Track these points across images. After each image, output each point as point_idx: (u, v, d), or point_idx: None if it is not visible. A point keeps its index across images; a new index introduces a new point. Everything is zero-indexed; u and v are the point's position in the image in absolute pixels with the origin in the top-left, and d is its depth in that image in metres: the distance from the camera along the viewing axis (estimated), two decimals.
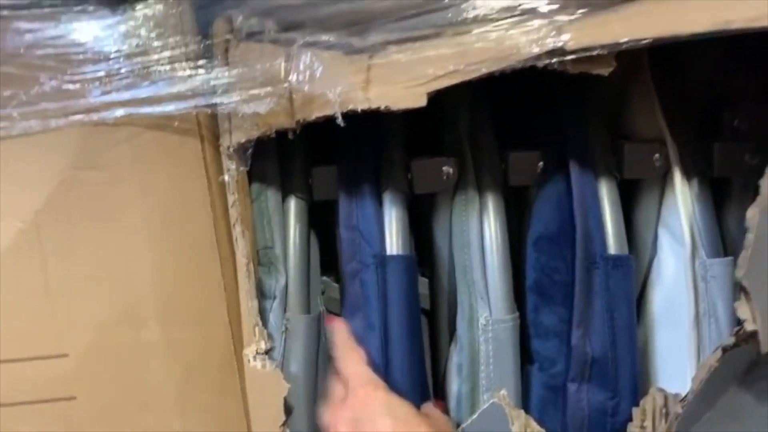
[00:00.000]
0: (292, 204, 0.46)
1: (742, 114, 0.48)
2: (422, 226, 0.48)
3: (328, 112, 0.38)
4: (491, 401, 0.39)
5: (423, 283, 0.49)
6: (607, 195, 0.44)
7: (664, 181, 0.45)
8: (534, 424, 0.39)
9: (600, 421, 0.40)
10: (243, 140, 0.40)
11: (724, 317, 0.41)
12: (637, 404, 0.40)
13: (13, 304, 0.41)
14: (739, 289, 0.32)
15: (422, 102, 0.36)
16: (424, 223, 0.48)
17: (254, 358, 0.41)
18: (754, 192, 0.47)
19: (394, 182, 0.45)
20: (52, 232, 0.41)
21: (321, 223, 0.49)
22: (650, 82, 0.47)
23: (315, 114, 0.38)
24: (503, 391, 0.39)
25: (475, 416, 0.39)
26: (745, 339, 0.32)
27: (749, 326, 0.31)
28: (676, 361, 0.42)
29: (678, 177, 0.44)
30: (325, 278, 0.50)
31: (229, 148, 0.40)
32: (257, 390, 0.42)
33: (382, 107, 0.37)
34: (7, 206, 0.41)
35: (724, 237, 0.45)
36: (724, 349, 0.33)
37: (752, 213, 0.32)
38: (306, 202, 0.46)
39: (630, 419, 0.40)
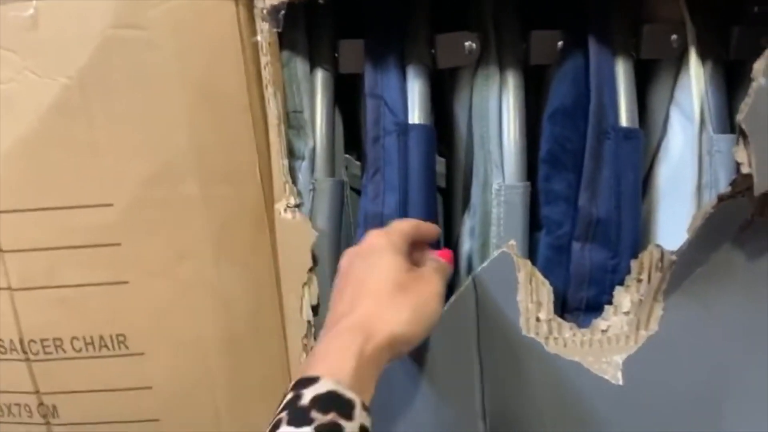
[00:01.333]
0: (319, 74, 0.48)
1: (761, 1, 0.49)
2: (442, 103, 0.50)
3: None
4: (501, 250, 0.42)
5: (441, 163, 0.52)
6: (622, 72, 0.46)
7: (679, 63, 0.47)
8: (538, 274, 0.42)
9: (600, 277, 0.44)
10: (276, 2, 0.41)
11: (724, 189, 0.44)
12: None
13: (60, 157, 0.45)
14: (738, 133, 0.34)
15: None
16: (445, 98, 0.50)
17: (284, 210, 0.45)
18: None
19: (418, 55, 0.46)
20: (95, 90, 0.44)
21: (344, 101, 0.51)
22: None
23: None
24: (513, 241, 0.43)
25: (485, 264, 0.43)
26: (741, 190, 0.35)
27: (744, 169, 0.34)
28: (677, 229, 0.45)
29: (693, 56, 0.45)
30: (347, 155, 0.53)
31: (262, 9, 0.42)
32: (287, 239, 0.45)
33: None
34: (55, 63, 0.43)
35: (733, 118, 0.47)
36: (721, 198, 0.36)
37: (759, 65, 0.34)
38: (332, 73, 0.48)
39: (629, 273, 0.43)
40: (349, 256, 0.38)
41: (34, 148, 0.45)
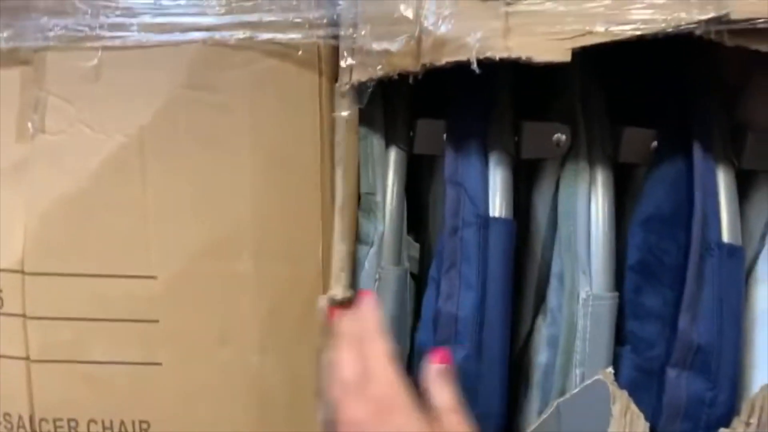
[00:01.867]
0: (393, 154, 0.44)
1: None
2: (517, 192, 0.46)
3: (462, 57, 0.36)
4: (596, 378, 0.38)
5: None
6: (724, 182, 0.42)
7: None
8: (634, 407, 0.37)
9: (696, 410, 0.39)
10: (364, 78, 0.38)
11: None
12: (734, 399, 0.39)
13: (108, 219, 0.41)
14: None
15: (567, 57, 0.35)
16: (520, 187, 0.46)
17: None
18: None
19: (502, 143, 0.43)
20: (155, 151, 0.40)
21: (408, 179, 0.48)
22: None
23: (446, 59, 0.37)
24: (610, 369, 0.38)
25: (576, 390, 0.38)
26: None
27: None
28: None
29: None
30: (407, 237, 0.49)
31: (346, 84, 0.39)
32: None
33: (523, 57, 0.35)
34: (113, 118, 0.40)
35: None
36: None
37: None
38: (406, 153, 0.45)
39: (727, 413, 0.39)
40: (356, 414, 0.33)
41: (78, 207, 0.41)
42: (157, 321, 0.42)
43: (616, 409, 0.37)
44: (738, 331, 0.40)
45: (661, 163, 0.43)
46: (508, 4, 0.37)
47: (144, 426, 0.43)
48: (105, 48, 0.39)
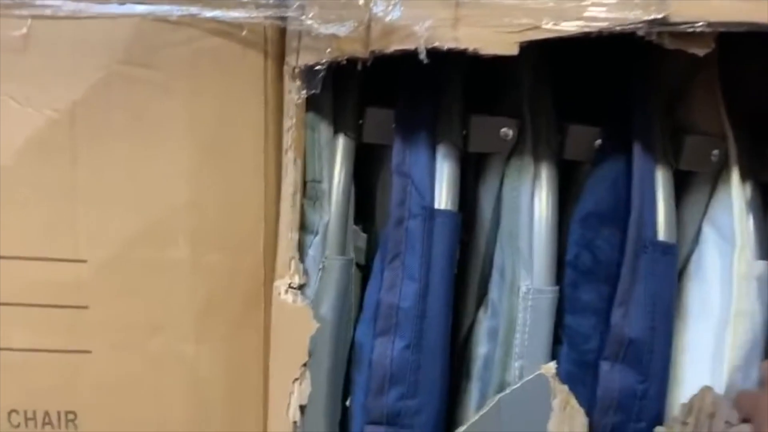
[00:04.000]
0: (341, 141, 0.43)
1: None
2: (463, 185, 0.46)
3: (410, 45, 0.36)
4: (538, 373, 0.38)
5: None
6: (662, 182, 0.43)
7: (715, 178, 0.45)
8: (574, 401, 0.38)
9: (628, 402, 0.40)
10: (312, 62, 0.37)
11: (761, 320, 0.42)
12: (665, 392, 0.40)
13: (35, 199, 0.38)
14: None
15: (514, 50, 0.35)
16: (466, 180, 0.46)
17: (286, 291, 0.39)
18: None
19: (451, 135, 0.43)
20: (87, 128, 0.38)
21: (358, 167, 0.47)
22: (717, 76, 0.46)
23: (394, 46, 0.36)
24: (553, 364, 0.38)
25: (516, 385, 0.38)
26: None
27: None
28: (705, 356, 0.42)
29: (735, 176, 0.43)
30: (354, 226, 0.49)
31: (295, 69, 0.38)
32: (283, 326, 0.40)
33: (471, 49, 0.35)
34: (42, 92, 0.38)
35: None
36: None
37: None
38: (354, 141, 0.44)
39: (657, 406, 0.40)
40: None
41: (1, 186, 0.38)
42: (86, 307, 0.40)
43: (556, 403, 0.37)
44: (669, 326, 0.41)
45: (603, 161, 0.44)
46: None
47: (70, 416, 0.41)
48: (35, 17, 0.37)
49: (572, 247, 0.43)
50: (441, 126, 0.43)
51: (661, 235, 0.42)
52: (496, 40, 0.35)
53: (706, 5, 0.34)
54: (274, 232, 0.40)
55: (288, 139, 0.38)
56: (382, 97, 0.44)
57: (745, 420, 0.37)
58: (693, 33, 0.34)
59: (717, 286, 0.42)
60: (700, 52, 0.36)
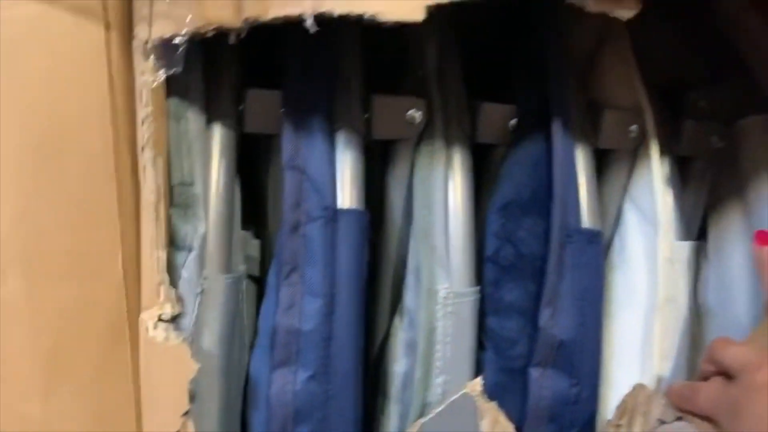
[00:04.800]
0: (217, 132, 0.36)
1: (706, 95, 0.47)
2: (370, 176, 0.40)
3: (293, 11, 0.28)
4: (462, 392, 0.34)
5: None
6: (583, 163, 0.40)
7: (634, 155, 0.43)
8: (504, 420, 0.34)
9: (561, 410, 0.36)
10: (168, 35, 0.29)
11: (684, 303, 0.40)
12: (597, 393, 0.37)
13: None
14: None
15: (419, 16, 0.29)
16: (374, 170, 0.40)
17: (155, 326, 0.31)
18: (712, 177, 0.46)
19: (350, 120, 0.36)
20: None
21: (244, 162, 0.39)
22: (629, 48, 0.43)
23: (273, 12, 0.29)
24: (479, 380, 0.34)
25: (440, 408, 0.33)
26: None
27: None
28: (633, 345, 0.40)
29: (655, 152, 0.41)
30: (243, 232, 0.41)
31: (147, 43, 0.29)
32: (155, 369, 0.32)
33: (368, 14, 0.28)
34: None
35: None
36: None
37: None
38: (235, 132, 0.36)
39: (590, 409, 0.37)
40: None
41: None
42: None
43: (484, 425, 0.33)
44: (599, 322, 0.38)
45: (520, 143, 0.39)
46: None
47: None
48: None
49: (492, 241, 0.38)
50: (338, 109, 0.37)
51: (585, 221, 0.38)
52: (399, 4, 0.28)
53: None
54: (135, 251, 0.32)
55: (144, 132, 0.30)
56: (268, 77, 0.37)
57: (680, 416, 0.35)
58: None
59: (642, 273, 0.40)
60: (626, 15, 0.32)
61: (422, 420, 0.33)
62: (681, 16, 0.48)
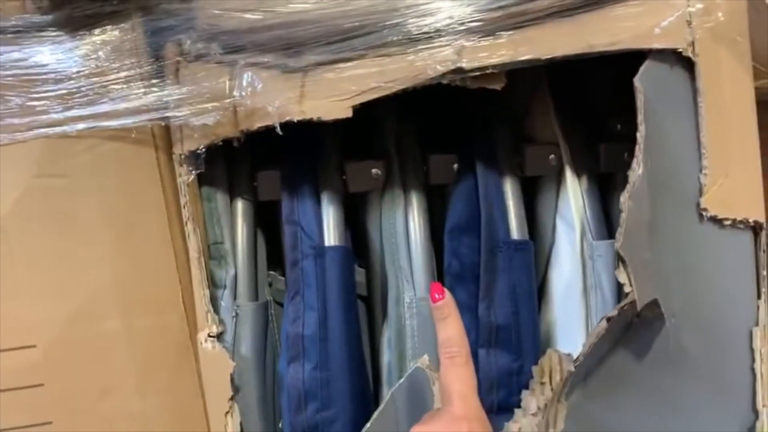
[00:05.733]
0: (239, 205, 0.51)
1: (623, 120, 0.57)
2: (357, 222, 0.55)
3: (268, 122, 0.44)
4: (415, 366, 0.46)
5: (361, 273, 0.56)
6: (510, 190, 0.52)
7: (560, 177, 0.54)
8: None
9: (507, 380, 0.47)
10: (193, 148, 0.45)
11: (608, 288, 0.50)
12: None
13: None
14: (617, 258, 0.39)
15: (348, 113, 0.43)
16: (359, 218, 0.54)
17: (205, 340, 0.47)
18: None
19: (332, 182, 0.51)
20: (17, 237, 0.45)
21: (268, 222, 0.55)
22: (548, 94, 0.55)
23: (257, 124, 0.44)
24: (425, 356, 0.46)
25: (402, 380, 0.46)
26: (626, 309, 0.40)
27: (627, 288, 0.39)
28: (570, 329, 0.50)
29: (569, 173, 0.52)
30: (272, 272, 0.56)
31: (180, 155, 0.45)
32: (209, 369, 0.47)
33: (315, 118, 0.43)
34: None
35: (611, 223, 0.53)
36: (608, 320, 0.41)
37: (624, 198, 0.40)
38: (252, 202, 0.52)
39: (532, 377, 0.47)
40: None
41: None
42: (42, 385, 0.46)
43: (436, 388, 0.45)
44: (532, 309, 0.49)
45: (458, 181, 0.52)
46: (305, 75, 0.45)
47: None
48: None
49: (446, 257, 0.51)
50: (322, 176, 0.51)
51: (514, 234, 0.50)
52: (333, 107, 0.43)
53: (491, 54, 0.42)
54: (190, 291, 0.48)
55: (186, 213, 0.46)
56: (276, 158, 0.52)
57: None
58: (486, 74, 0.43)
59: (570, 269, 0.50)
60: (497, 86, 0.44)
61: (392, 389, 0.46)
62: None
